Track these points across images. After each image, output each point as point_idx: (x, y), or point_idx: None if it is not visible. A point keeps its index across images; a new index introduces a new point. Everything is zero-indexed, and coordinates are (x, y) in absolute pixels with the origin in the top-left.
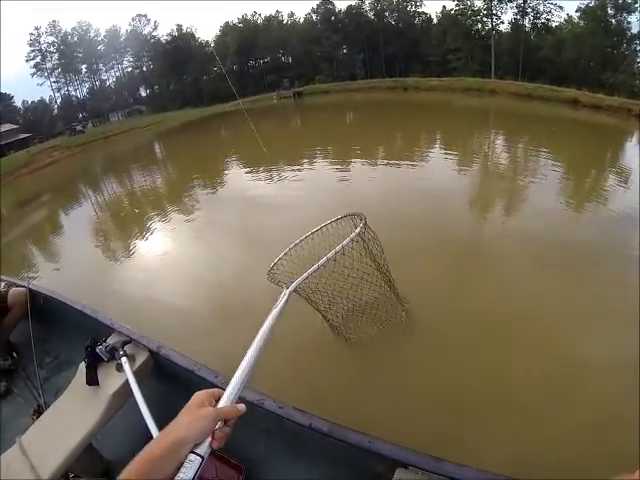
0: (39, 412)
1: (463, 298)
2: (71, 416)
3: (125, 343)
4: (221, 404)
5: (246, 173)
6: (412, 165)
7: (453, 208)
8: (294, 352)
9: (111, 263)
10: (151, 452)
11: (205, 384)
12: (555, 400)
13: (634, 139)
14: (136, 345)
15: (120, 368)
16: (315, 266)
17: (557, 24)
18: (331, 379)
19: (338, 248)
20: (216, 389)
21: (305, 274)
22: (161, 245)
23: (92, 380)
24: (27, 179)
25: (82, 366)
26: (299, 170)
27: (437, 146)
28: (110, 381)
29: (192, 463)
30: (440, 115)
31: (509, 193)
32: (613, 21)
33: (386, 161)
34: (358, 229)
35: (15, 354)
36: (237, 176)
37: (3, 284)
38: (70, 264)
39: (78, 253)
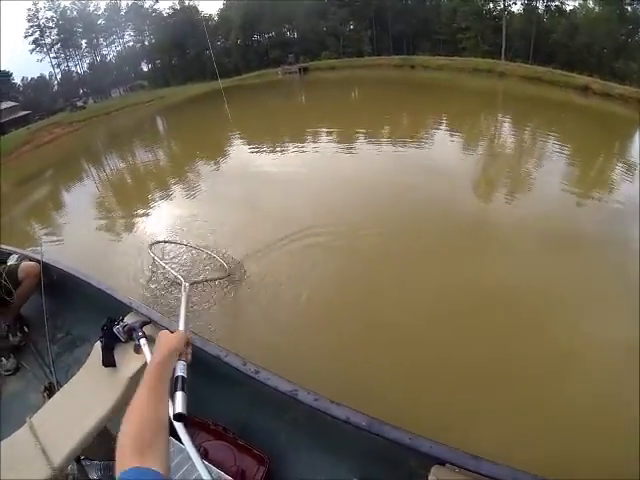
0: (50, 390)
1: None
2: (86, 397)
3: (144, 324)
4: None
5: (249, 150)
6: (417, 144)
7: (455, 188)
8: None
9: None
10: (156, 361)
11: (232, 371)
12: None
13: None
14: (155, 326)
15: (138, 350)
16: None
17: (571, 8)
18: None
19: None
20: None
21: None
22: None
23: (109, 361)
24: (28, 156)
25: (97, 345)
26: (301, 146)
27: (443, 127)
28: (128, 363)
29: (183, 364)
30: (447, 95)
31: (512, 175)
32: (629, 8)
33: (389, 139)
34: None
35: (26, 328)
36: (239, 152)
37: (16, 257)
38: (71, 239)
39: (78, 228)
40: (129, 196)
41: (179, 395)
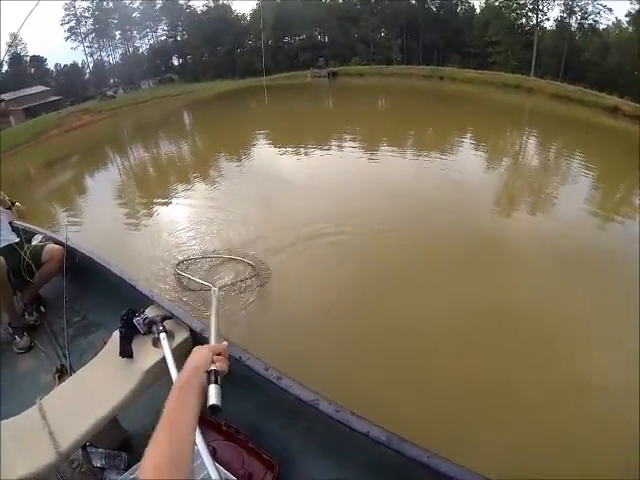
0: (61, 372)
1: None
2: (99, 386)
3: (165, 318)
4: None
5: (273, 149)
6: (441, 156)
7: (476, 202)
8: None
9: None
10: (180, 380)
11: (252, 374)
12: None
13: None
14: (176, 322)
15: (157, 343)
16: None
17: (605, 27)
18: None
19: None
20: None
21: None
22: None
23: (126, 352)
24: (57, 140)
25: (116, 335)
26: (326, 150)
27: (468, 140)
28: (145, 355)
29: (213, 372)
30: (475, 108)
31: (534, 193)
32: None
33: (414, 149)
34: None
35: (42, 308)
36: (263, 151)
37: (41, 237)
38: (90, 222)
39: (99, 212)
40: (150, 187)
41: (212, 388)
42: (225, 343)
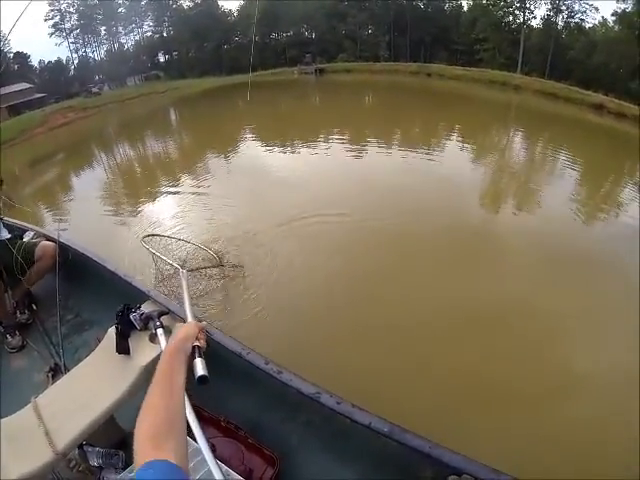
0: (55, 370)
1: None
2: (95, 383)
3: (162, 314)
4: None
5: (260, 145)
6: (427, 152)
7: (461, 197)
8: None
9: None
10: (170, 348)
11: (252, 369)
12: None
13: None
14: (173, 317)
15: (154, 339)
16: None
17: (591, 25)
18: None
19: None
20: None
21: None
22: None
23: (123, 348)
24: (41, 138)
25: (111, 331)
26: (312, 145)
27: (454, 136)
28: (142, 351)
29: (197, 348)
30: (462, 105)
31: (518, 189)
32: None
33: (399, 145)
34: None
35: (34, 306)
36: (249, 148)
37: (32, 234)
38: (77, 219)
39: (85, 209)
40: (137, 182)
41: (199, 361)
42: (204, 323)
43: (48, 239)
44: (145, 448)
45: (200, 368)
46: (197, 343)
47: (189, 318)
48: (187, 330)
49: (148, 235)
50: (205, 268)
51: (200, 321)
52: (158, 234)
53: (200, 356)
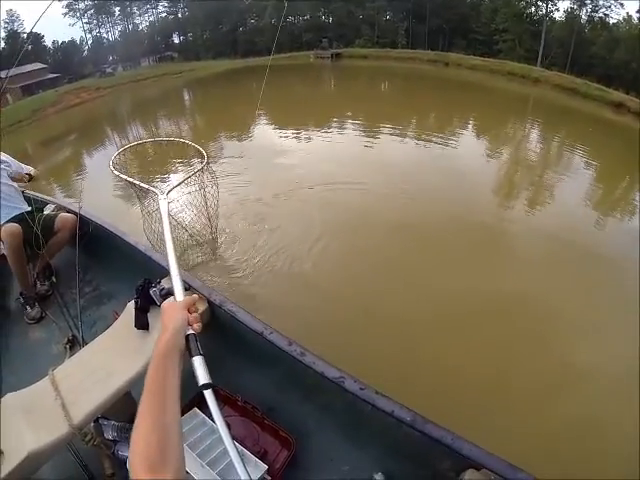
0: (72, 342)
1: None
2: (112, 357)
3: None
4: (179, 299)
5: (273, 129)
6: (441, 143)
7: (474, 190)
8: None
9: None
10: (158, 352)
11: (273, 350)
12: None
13: None
14: (194, 293)
15: None
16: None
17: (615, 21)
18: None
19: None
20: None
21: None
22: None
23: (142, 324)
24: (54, 118)
25: (130, 306)
26: (327, 131)
27: (470, 128)
28: (160, 327)
29: (193, 338)
30: (479, 96)
31: (534, 185)
32: None
33: (414, 134)
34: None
35: (54, 278)
36: (264, 130)
37: (53, 207)
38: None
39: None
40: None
41: (198, 362)
42: (195, 296)
43: (68, 212)
44: (140, 472)
45: (201, 374)
46: (190, 331)
47: (173, 271)
48: (175, 321)
49: (117, 155)
50: (191, 176)
51: (187, 288)
52: (130, 145)
53: (198, 352)
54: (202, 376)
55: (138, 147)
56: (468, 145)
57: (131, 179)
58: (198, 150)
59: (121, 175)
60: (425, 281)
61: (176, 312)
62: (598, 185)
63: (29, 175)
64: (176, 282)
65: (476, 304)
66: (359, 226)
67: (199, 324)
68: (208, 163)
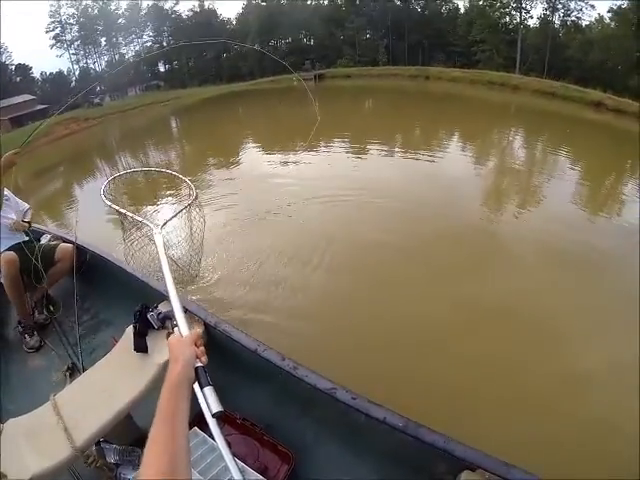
0: (72, 370)
1: None
2: (112, 381)
3: None
4: (185, 333)
5: (261, 154)
6: (428, 155)
7: (463, 199)
8: None
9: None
10: (170, 383)
11: (267, 365)
12: None
13: None
14: (191, 317)
15: None
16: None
17: (587, 23)
18: None
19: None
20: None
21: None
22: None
23: (141, 347)
24: (45, 149)
25: (129, 330)
26: (312, 152)
27: (455, 138)
28: (159, 350)
29: (202, 371)
30: (461, 107)
31: (521, 189)
32: None
33: (401, 149)
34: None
35: (52, 308)
36: (251, 156)
37: (49, 237)
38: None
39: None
40: (140, 193)
41: (209, 392)
42: (200, 331)
43: (65, 241)
44: None
45: (213, 403)
46: (199, 364)
47: (176, 306)
48: (185, 354)
49: (112, 178)
50: (183, 210)
51: (185, 311)
52: (124, 173)
53: (208, 382)
54: (214, 405)
55: (128, 176)
56: (453, 155)
57: (123, 210)
58: (187, 184)
59: (112, 205)
60: (418, 291)
61: (185, 347)
62: (585, 182)
63: (28, 223)
64: (179, 317)
65: (470, 313)
66: (346, 242)
67: (205, 357)
68: (196, 198)
